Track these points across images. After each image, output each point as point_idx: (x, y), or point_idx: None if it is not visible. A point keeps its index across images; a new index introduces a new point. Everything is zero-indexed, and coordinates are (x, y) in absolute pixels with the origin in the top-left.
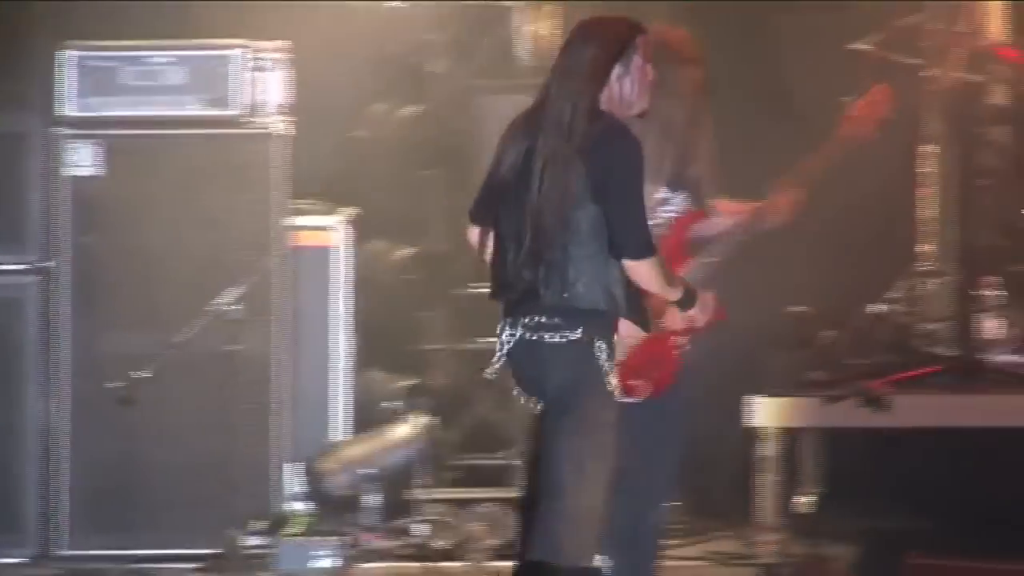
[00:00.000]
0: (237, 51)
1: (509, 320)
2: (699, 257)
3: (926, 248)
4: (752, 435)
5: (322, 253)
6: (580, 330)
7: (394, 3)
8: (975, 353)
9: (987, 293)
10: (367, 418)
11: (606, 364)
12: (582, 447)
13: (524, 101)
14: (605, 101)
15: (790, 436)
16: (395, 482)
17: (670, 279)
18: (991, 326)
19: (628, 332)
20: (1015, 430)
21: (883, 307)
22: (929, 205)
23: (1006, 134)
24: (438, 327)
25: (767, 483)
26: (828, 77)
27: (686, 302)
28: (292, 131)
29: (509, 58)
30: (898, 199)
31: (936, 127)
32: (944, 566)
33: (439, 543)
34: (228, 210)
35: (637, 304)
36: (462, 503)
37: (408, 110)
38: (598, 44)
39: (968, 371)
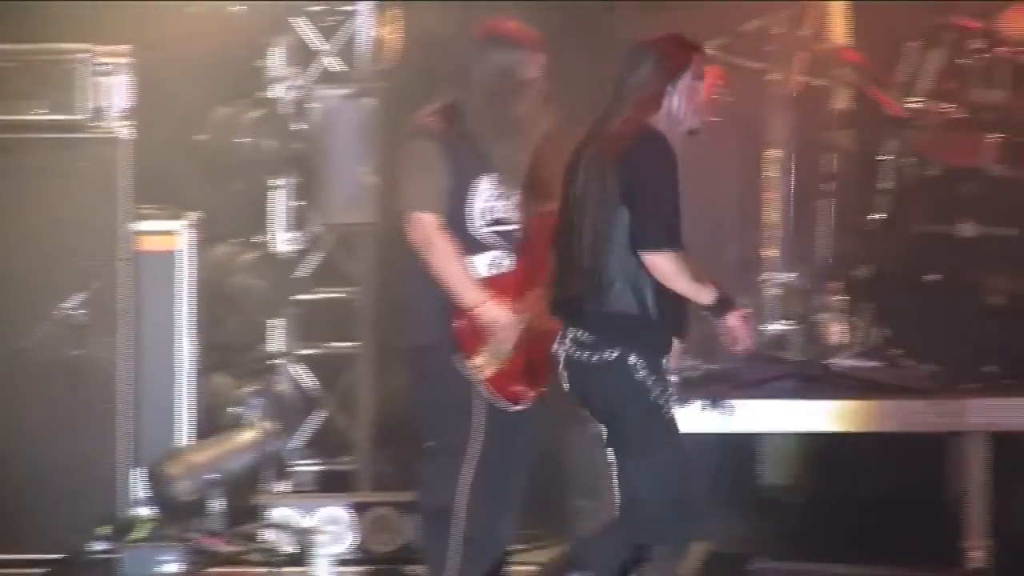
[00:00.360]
0: (81, 55)
1: (561, 333)
2: None
3: (771, 253)
4: (597, 440)
5: (166, 257)
6: (617, 350)
7: (236, 6)
8: (820, 357)
9: (832, 298)
10: (212, 423)
11: (648, 378)
12: (639, 465)
13: (368, 105)
14: (656, 119)
15: None
16: (240, 487)
17: (698, 279)
18: (836, 330)
19: (495, 329)
20: (859, 435)
21: None
22: (774, 209)
23: (850, 138)
24: (282, 332)
25: (612, 488)
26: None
27: (719, 309)
28: (136, 135)
29: (352, 62)
30: (744, 203)
31: (781, 131)
32: (789, 570)
33: (285, 548)
34: (73, 214)
35: (673, 313)
36: (308, 508)
37: (251, 114)
38: (650, 64)
39: (814, 375)
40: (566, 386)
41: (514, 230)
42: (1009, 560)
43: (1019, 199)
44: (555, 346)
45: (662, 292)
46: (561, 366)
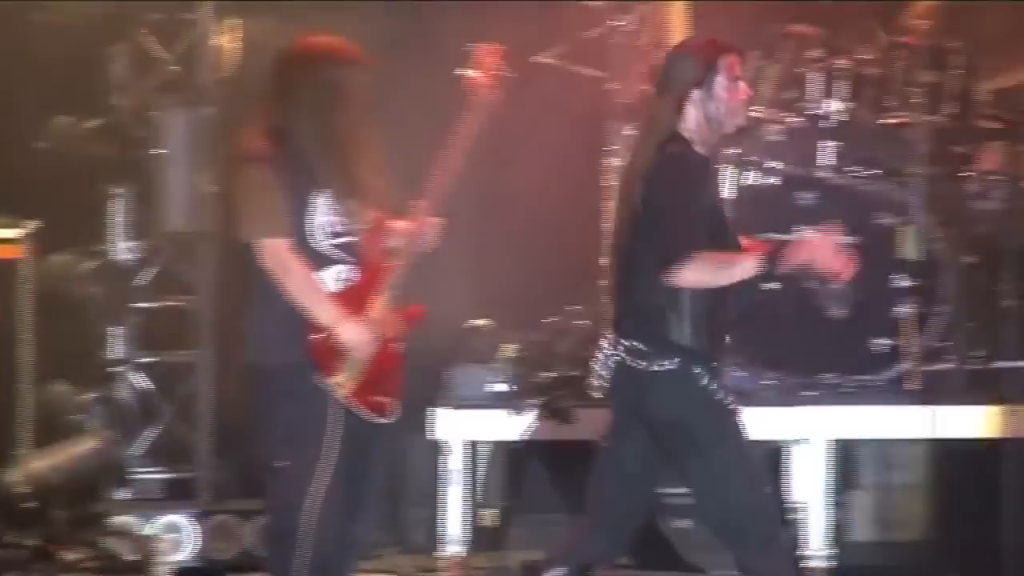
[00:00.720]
0: None
1: (611, 339)
2: (399, 261)
3: (610, 261)
4: (436, 448)
5: (5, 266)
6: (675, 360)
7: (78, 12)
8: None
9: None
10: (52, 430)
11: (710, 383)
12: (715, 468)
13: (206, 115)
14: (694, 127)
15: (474, 449)
16: (81, 494)
17: (725, 265)
18: None
19: (354, 345)
20: None
21: (567, 319)
22: (613, 218)
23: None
24: (122, 340)
25: (452, 496)
26: (510, 89)
27: (771, 264)
28: None
29: (192, 71)
30: (583, 211)
31: (620, 139)
32: None
33: (125, 555)
34: None
35: (705, 330)
36: (148, 516)
37: (91, 122)
38: (673, 73)
39: None
40: (603, 391)
41: (353, 242)
42: (848, 570)
43: (857, 207)
44: (602, 353)
45: (693, 306)
46: (606, 372)
